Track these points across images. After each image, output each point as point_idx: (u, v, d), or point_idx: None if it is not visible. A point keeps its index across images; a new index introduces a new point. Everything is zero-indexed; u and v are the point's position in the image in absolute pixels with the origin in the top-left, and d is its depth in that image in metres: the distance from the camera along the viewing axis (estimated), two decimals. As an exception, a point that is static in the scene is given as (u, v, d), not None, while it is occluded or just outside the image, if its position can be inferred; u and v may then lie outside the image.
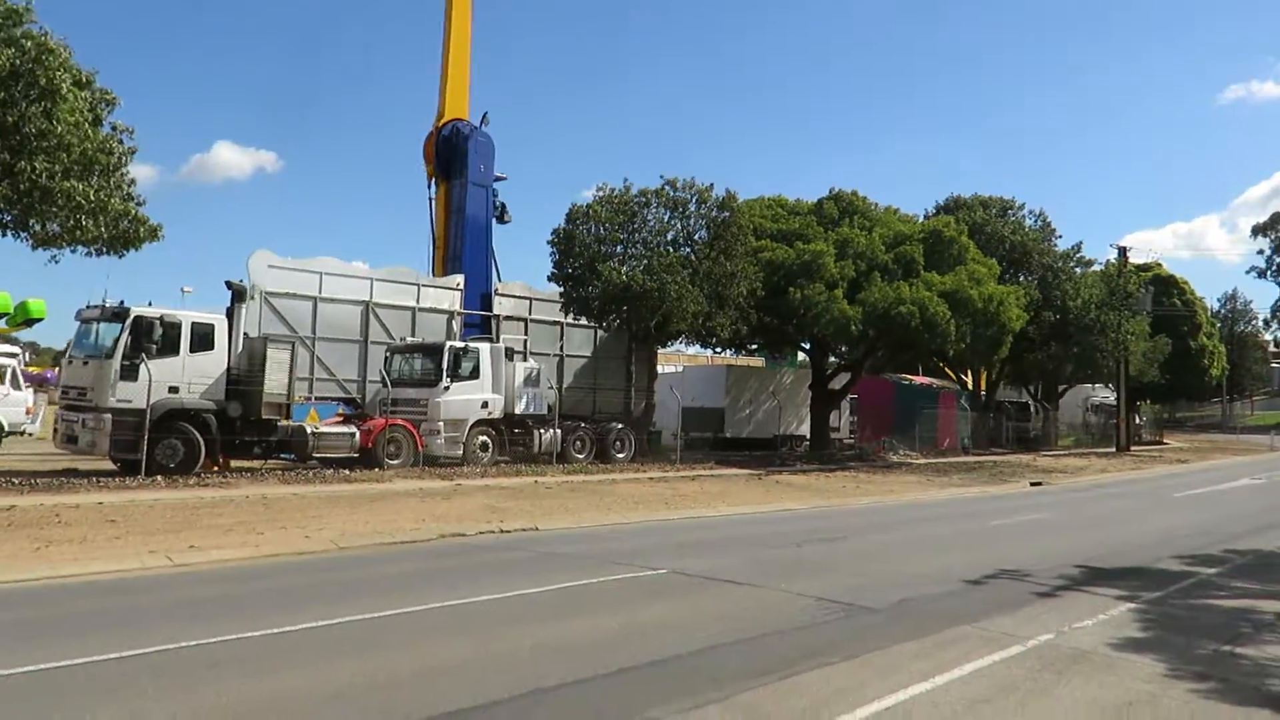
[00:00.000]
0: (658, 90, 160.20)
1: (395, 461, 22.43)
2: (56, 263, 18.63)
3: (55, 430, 19.83)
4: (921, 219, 38.17)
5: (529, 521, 15.43)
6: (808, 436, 37.55)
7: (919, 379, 47.77)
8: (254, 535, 12.86)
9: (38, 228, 16.32)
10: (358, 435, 21.95)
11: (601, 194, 28.68)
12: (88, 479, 17.92)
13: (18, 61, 13.70)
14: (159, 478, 18.10)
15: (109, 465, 19.80)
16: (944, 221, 35.47)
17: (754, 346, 38.13)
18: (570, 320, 31.35)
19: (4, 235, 17.27)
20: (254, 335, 23.48)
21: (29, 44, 14.17)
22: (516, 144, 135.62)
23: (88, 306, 19.58)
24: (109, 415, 18.30)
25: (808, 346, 37.18)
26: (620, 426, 28.75)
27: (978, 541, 15.20)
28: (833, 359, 38.27)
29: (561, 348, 32.58)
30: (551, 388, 27.02)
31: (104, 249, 18.68)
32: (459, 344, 25.09)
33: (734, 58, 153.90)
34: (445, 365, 24.14)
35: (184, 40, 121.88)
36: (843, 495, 22.85)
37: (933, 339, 30.89)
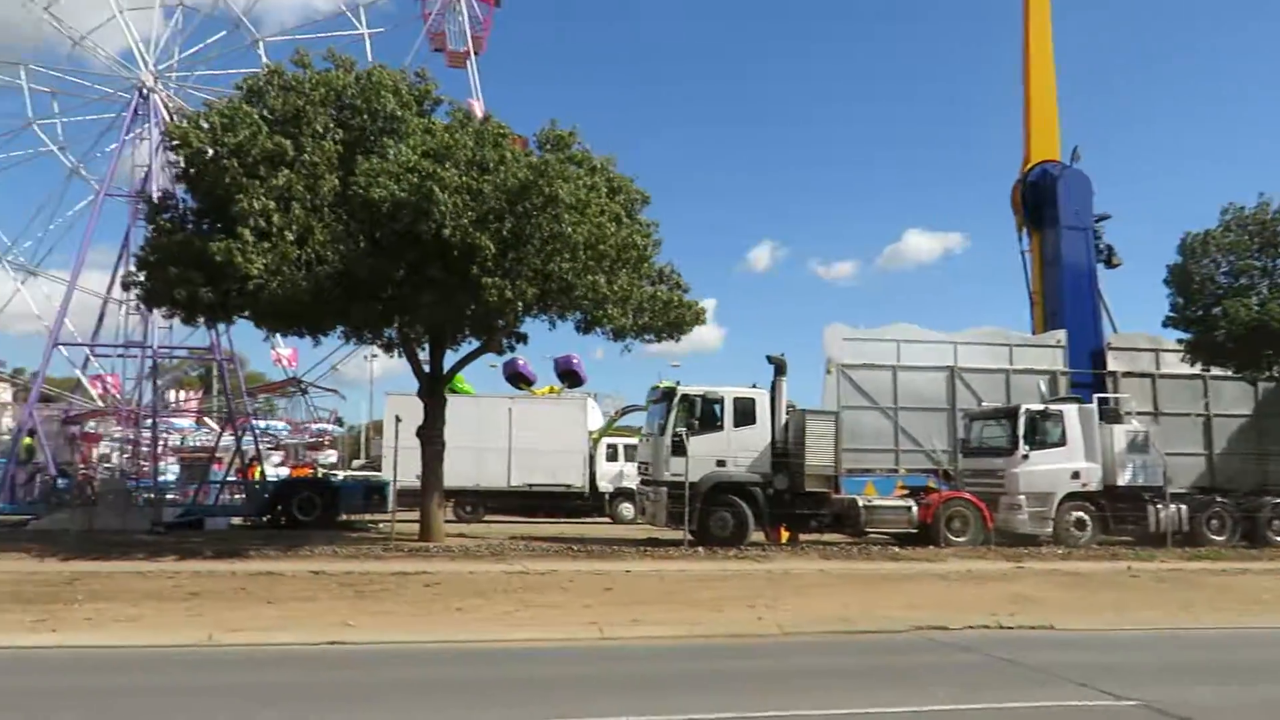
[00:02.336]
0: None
1: (961, 539, 20.31)
2: (629, 351, 20.74)
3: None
4: None
5: (1050, 618, 12.51)
6: None
7: None
8: (711, 613, 12.36)
9: (576, 317, 18.47)
10: (915, 510, 20.37)
11: (1228, 216, 23.29)
12: (638, 548, 19.24)
13: (529, 178, 15.69)
14: (700, 549, 18.71)
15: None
16: None
17: None
18: (1216, 374, 25.89)
19: (553, 327, 19.71)
20: (831, 408, 23.62)
21: (539, 162, 16.22)
22: (1129, 174, 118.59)
23: (651, 389, 21.45)
24: (665, 488, 19.60)
25: None
26: (1278, 501, 22.48)
27: None
28: None
29: (1206, 406, 26.97)
30: (1165, 455, 22.20)
31: (663, 335, 20.25)
32: (1037, 407, 22.06)
33: None
34: (1021, 431, 21.36)
35: (869, 138, 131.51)
36: None
37: None
